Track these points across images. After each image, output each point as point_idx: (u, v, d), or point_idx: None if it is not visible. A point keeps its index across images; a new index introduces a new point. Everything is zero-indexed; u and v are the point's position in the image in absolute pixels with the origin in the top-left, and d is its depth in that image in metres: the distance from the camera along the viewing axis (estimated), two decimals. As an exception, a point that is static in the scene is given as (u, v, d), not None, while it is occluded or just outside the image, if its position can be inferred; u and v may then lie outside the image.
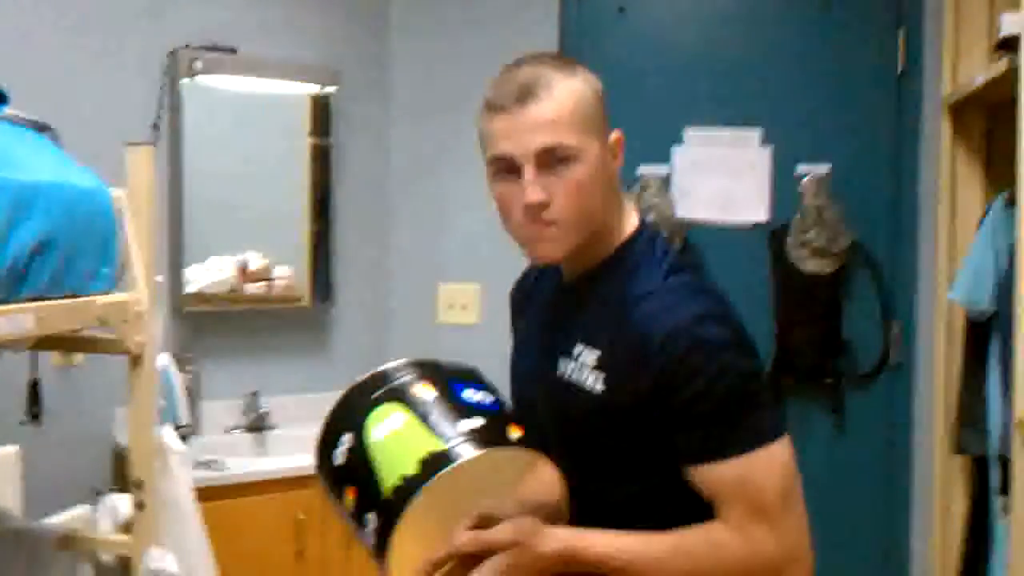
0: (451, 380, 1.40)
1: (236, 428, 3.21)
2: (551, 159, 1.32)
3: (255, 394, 3.22)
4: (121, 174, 1.97)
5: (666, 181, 3.26)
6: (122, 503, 2.16)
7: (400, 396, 1.36)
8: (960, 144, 3.03)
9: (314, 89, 3.34)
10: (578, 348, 1.39)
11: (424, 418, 1.32)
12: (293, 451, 2.97)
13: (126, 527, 2.09)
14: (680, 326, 1.27)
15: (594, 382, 1.35)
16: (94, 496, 2.61)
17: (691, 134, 3.28)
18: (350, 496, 1.33)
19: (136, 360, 1.95)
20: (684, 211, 3.26)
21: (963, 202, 3.03)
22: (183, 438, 2.78)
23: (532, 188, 1.32)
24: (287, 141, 3.38)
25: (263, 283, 3.28)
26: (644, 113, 3.26)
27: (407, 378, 1.39)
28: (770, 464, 1.27)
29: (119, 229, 1.89)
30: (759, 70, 3.25)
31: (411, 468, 1.26)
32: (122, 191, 1.92)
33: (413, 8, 3.56)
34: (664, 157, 3.28)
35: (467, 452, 1.27)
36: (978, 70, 2.78)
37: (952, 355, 3.00)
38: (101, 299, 1.83)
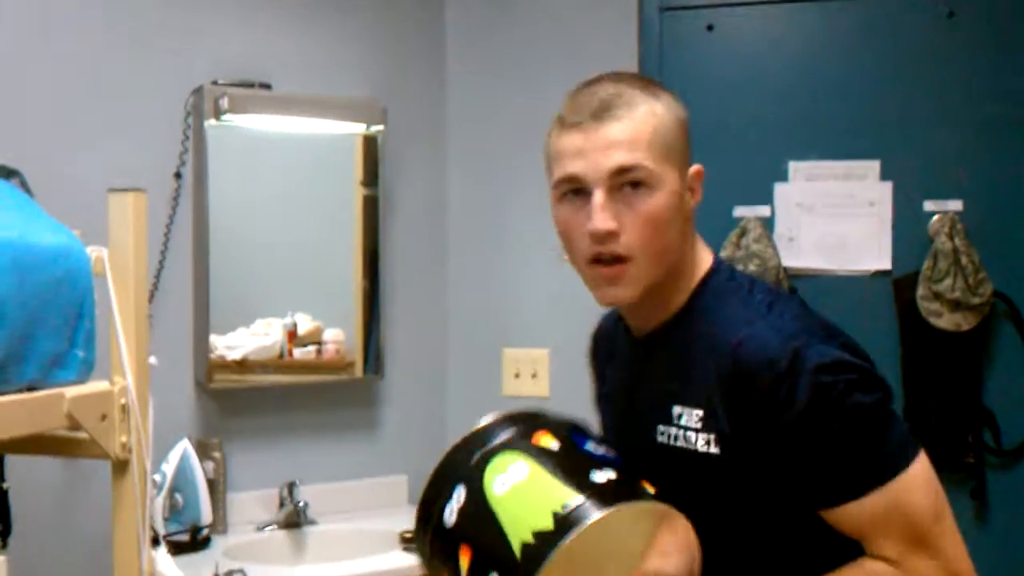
0: (571, 431, 1.35)
1: (269, 525, 2.93)
2: (625, 184, 1.28)
3: (292, 484, 2.93)
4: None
5: (768, 224, 3.01)
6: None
7: (519, 447, 1.30)
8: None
9: (359, 128, 3.11)
10: (676, 410, 1.34)
11: (551, 469, 1.27)
12: (336, 553, 2.70)
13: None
14: (797, 369, 1.22)
15: (706, 445, 1.30)
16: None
17: (796, 169, 3.02)
18: (464, 558, 1.27)
19: (121, 467, 1.61)
20: (790, 259, 3.00)
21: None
22: (205, 541, 2.66)
23: (600, 215, 1.27)
24: (328, 186, 3.18)
25: (313, 347, 3.06)
26: (740, 146, 3.03)
27: (522, 428, 1.33)
28: (912, 488, 1.24)
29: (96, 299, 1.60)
30: (874, 92, 2.97)
31: (544, 522, 1.20)
32: (102, 250, 1.57)
33: (472, 34, 3.32)
34: (765, 197, 3.04)
35: (607, 504, 1.22)
36: None
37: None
38: (72, 391, 1.53)
